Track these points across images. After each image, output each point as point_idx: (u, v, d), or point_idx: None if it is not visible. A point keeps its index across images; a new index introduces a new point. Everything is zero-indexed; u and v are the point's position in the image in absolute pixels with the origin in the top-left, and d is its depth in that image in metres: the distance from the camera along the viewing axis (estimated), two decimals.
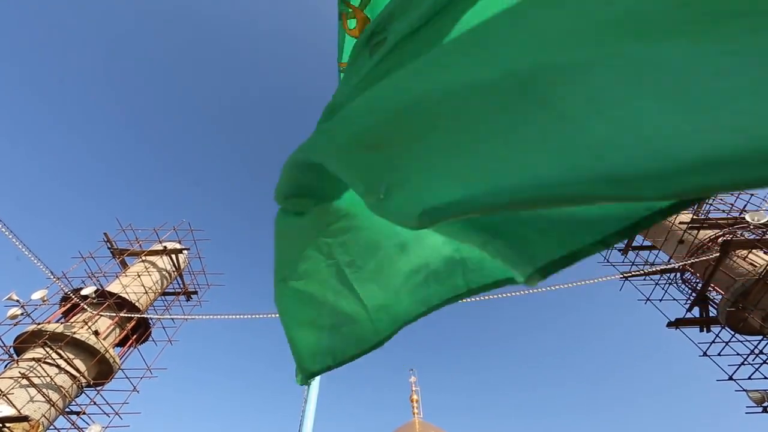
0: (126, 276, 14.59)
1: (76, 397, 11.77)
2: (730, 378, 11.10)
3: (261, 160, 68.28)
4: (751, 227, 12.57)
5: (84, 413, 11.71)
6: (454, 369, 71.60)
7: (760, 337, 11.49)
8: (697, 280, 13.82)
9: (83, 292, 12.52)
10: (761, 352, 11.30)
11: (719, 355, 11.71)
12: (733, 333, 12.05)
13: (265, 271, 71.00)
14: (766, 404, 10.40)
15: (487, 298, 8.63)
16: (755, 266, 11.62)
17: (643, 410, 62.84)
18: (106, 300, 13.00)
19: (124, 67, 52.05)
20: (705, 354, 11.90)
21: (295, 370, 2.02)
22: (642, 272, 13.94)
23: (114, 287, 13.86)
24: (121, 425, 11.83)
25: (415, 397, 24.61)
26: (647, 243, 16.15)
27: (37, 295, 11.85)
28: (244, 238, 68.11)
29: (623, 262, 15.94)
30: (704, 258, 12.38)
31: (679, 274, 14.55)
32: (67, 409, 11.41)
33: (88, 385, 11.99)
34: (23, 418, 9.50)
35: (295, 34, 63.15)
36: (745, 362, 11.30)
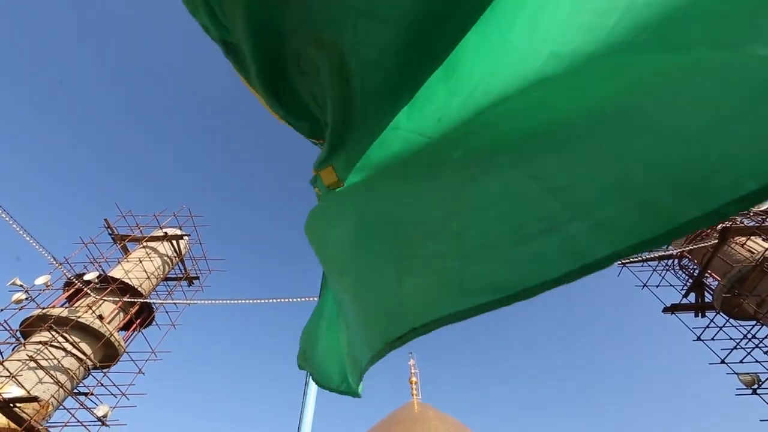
0: (128, 261, 14.71)
1: (84, 378, 12.07)
2: (722, 361, 11.34)
3: (260, 147, 67.73)
4: (751, 214, 12.58)
5: (92, 394, 12.03)
6: (452, 355, 73.13)
7: (754, 322, 11.68)
8: (695, 267, 13.94)
9: (86, 278, 12.65)
10: (754, 336, 11.51)
11: (713, 339, 11.93)
12: (727, 318, 12.24)
13: (265, 256, 71.47)
14: (755, 386, 10.68)
15: None
16: (753, 253, 11.69)
17: (636, 395, 64.54)
18: (108, 285, 13.14)
19: (122, 56, 50.91)
20: (699, 338, 12.12)
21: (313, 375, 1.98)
22: (640, 258, 14.04)
23: (116, 272, 14.00)
24: (128, 405, 12.19)
25: (414, 379, 25.25)
26: None
27: (40, 280, 11.98)
28: (245, 225, 68.34)
29: None
30: (703, 245, 12.44)
31: (676, 261, 14.67)
32: (75, 391, 11.72)
33: (95, 368, 12.27)
34: (33, 399, 9.77)
35: None
36: (738, 346, 11.52)
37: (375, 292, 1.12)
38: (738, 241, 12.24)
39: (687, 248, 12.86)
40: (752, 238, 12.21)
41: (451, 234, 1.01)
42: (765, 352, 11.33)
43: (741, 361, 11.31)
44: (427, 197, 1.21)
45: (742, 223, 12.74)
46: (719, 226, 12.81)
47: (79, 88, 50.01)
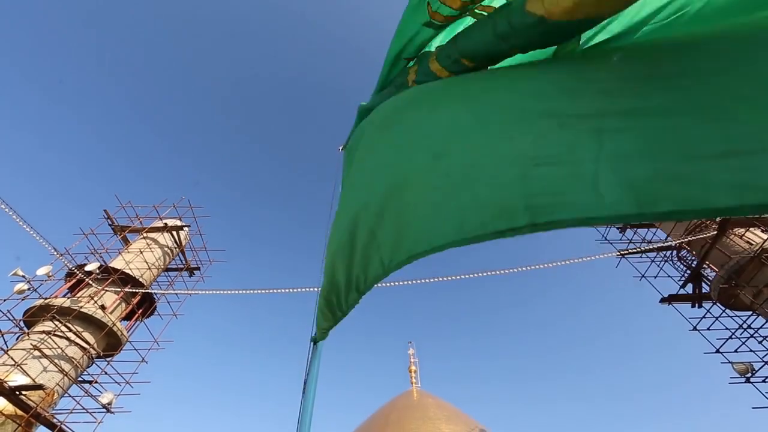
0: (128, 252, 14.75)
1: (88, 367, 12.23)
2: (717, 351, 11.49)
3: (260, 138, 67.15)
4: None
5: (96, 382, 12.22)
6: (452, 339, 74.08)
7: (750, 313, 11.79)
8: (693, 258, 13.99)
9: (87, 268, 12.70)
10: (749, 326, 11.64)
11: (708, 329, 12.06)
12: (723, 309, 12.35)
13: (265, 247, 71.64)
14: (749, 375, 10.85)
15: (483, 275, 8.78)
16: (751, 244, 11.73)
17: (630, 377, 65.67)
18: (110, 276, 13.21)
19: (123, 47, 50.02)
20: (695, 328, 12.25)
21: (314, 328, 2.05)
22: (638, 250, 14.08)
23: (117, 263, 14.05)
24: (132, 393, 12.39)
25: (413, 367, 25.67)
26: (646, 221, 16.18)
27: (42, 271, 12.02)
28: (246, 216, 68.30)
29: (621, 239, 16.07)
30: (701, 236, 12.47)
31: (675, 252, 14.71)
32: (79, 379, 11.90)
33: (98, 357, 12.43)
34: (38, 387, 9.93)
35: (295, 14, 60.16)
36: (733, 336, 11.66)
37: (490, 179, 0.99)
38: (737, 233, 12.26)
39: (686, 239, 12.89)
40: (751, 229, 12.23)
41: (591, 131, 0.89)
42: (759, 342, 11.48)
43: (735, 351, 11.47)
44: (572, 91, 1.08)
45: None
46: (718, 218, 12.82)
47: (78, 80, 49.33)
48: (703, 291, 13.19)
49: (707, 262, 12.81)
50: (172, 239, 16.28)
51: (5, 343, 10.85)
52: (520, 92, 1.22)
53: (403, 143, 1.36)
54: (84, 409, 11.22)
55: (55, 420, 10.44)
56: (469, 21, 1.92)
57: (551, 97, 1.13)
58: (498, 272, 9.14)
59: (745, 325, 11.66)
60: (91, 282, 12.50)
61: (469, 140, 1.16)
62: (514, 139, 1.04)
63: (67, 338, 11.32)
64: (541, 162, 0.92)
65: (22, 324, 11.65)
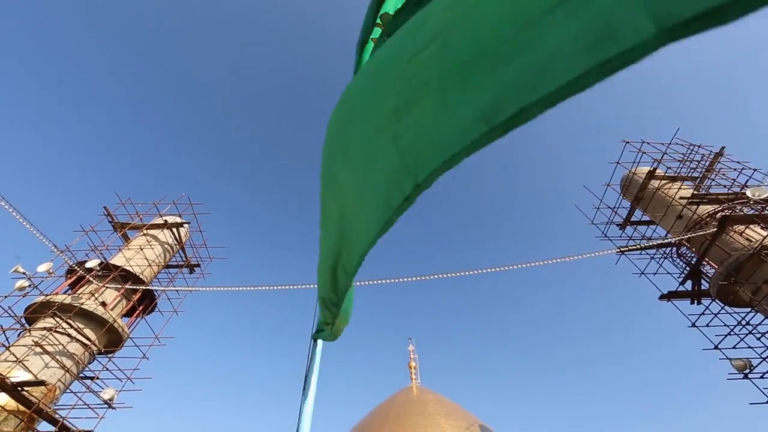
0: (129, 249, 14.76)
1: (89, 363, 12.29)
2: (716, 347, 11.52)
3: (259, 136, 67.00)
4: (751, 203, 12.53)
5: (98, 378, 12.29)
6: (452, 336, 74.40)
7: (749, 309, 11.81)
8: (692, 255, 13.99)
9: (87, 265, 12.71)
10: (748, 323, 11.66)
11: (707, 326, 12.09)
12: (722, 305, 12.36)
13: (265, 243, 71.74)
14: (747, 371, 10.88)
15: (483, 272, 8.80)
16: (751, 241, 11.72)
17: (629, 373, 66.02)
18: (110, 272, 13.23)
19: (123, 47, 49.78)
20: (693, 325, 12.28)
21: (318, 326, 2.11)
22: (638, 247, 14.07)
23: (117, 260, 14.07)
24: (133, 389, 12.46)
25: (413, 363, 25.79)
26: (646, 218, 16.17)
27: (42, 268, 12.04)
28: (245, 212, 68.33)
29: (620, 236, 16.06)
30: (701, 233, 12.46)
31: (674, 249, 14.71)
32: (81, 375, 11.96)
33: (100, 353, 12.49)
34: (40, 383, 9.98)
35: (295, 13, 59.79)
36: (732, 333, 11.69)
37: (378, 157, 0.93)
38: (737, 230, 12.25)
39: (686, 236, 12.89)
40: (751, 226, 12.21)
41: (434, 53, 0.77)
42: (758, 339, 11.51)
43: (734, 347, 11.50)
44: (419, 21, 0.99)
45: (742, 211, 12.71)
46: (718, 215, 12.80)
47: (78, 80, 49.15)
48: (703, 288, 13.19)
49: (707, 259, 12.81)
50: (173, 236, 16.28)
51: (7, 339, 10.90)
52: (379, 56, 1.19)
53: (338, 150, 1.32)
54: (86, 404, 11.29)
55: (57, 416, 10.51)
56: None
57: (397, 43, 1.03)
58: (498, 269, 9.17)
59: (743, 322, 11.68)
60: (91, 279, 12.53)
61: (361, 126, 1.09)
62: (379, 104, 0.95)
63: (69, 335, 11.36)
64: (403, 111, 0.83)
65: (23, 320, 11.69)
